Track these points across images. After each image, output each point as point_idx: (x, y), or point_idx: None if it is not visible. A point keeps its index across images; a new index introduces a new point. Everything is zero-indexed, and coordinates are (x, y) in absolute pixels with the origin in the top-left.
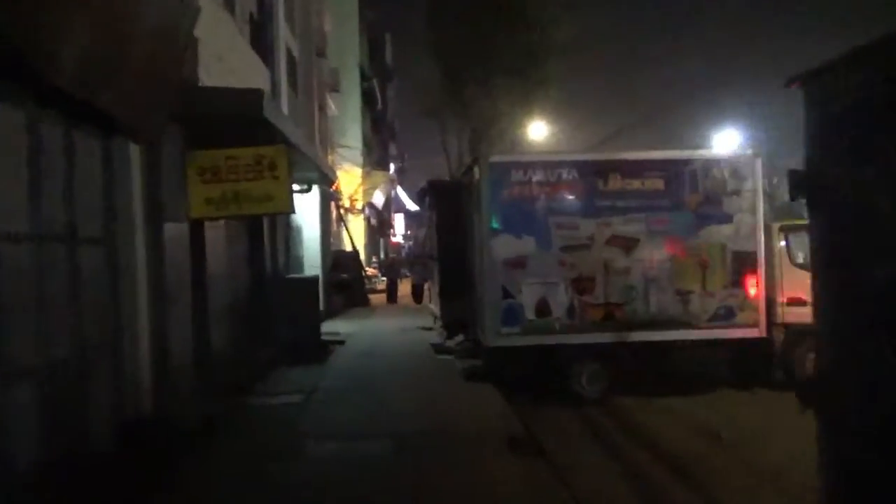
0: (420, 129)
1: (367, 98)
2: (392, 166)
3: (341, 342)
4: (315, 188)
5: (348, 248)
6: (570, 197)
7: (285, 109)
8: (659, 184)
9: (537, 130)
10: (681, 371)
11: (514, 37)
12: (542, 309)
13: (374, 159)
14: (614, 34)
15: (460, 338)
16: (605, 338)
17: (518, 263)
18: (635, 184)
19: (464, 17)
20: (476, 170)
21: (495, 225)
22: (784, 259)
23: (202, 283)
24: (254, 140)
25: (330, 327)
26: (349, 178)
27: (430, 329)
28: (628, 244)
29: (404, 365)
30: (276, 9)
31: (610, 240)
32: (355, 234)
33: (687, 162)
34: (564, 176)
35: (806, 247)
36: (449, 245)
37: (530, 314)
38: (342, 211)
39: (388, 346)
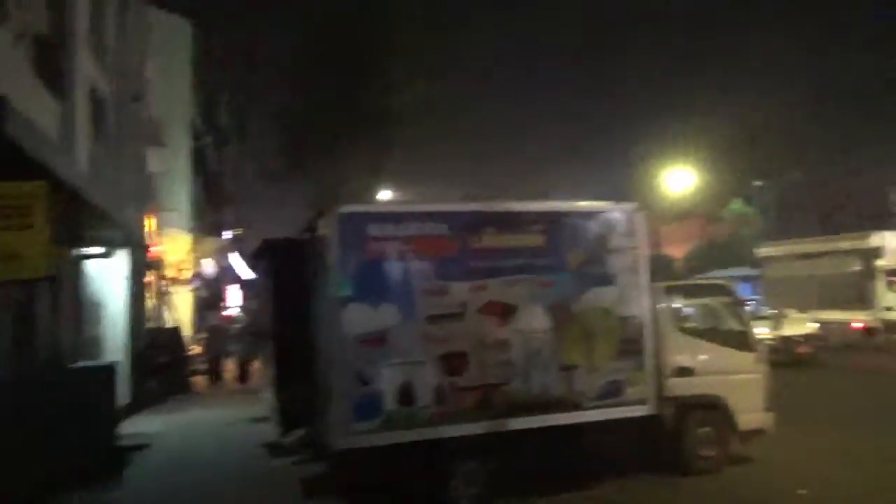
0: (261, 195)
1: (200, 158)
2: (228, 233)
3: (144, 447)
4: (122, 253)
5: (171, 324)
6: (439, 256)
7: (83, 154)
8: (539, 240)
9: (389, 195)
10: (569, 461)
11: (358, 99)
12: (406, 396)
13: (207, 225)
14: (472, 97)
15: (302, 432)
16: (481, 427)
17: (375, 339)
18: (513, 240)
19: (306, 78)
20: (322, 224)
21: (346, 291)
22: (671, 324)
23: None
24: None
25: (135, 425)
26: (176, 245)
27: (263, 420)
28: (506, 312)
29: (225, 478)
30: (75, 30)
31: (485, 307)
32: (182, 309)
33: (568, 214)
34: (432, 230)
35: (693, 309)
36: (287, 317)
37: (391, 403)
38: (165, 282)
39: (207, 448)
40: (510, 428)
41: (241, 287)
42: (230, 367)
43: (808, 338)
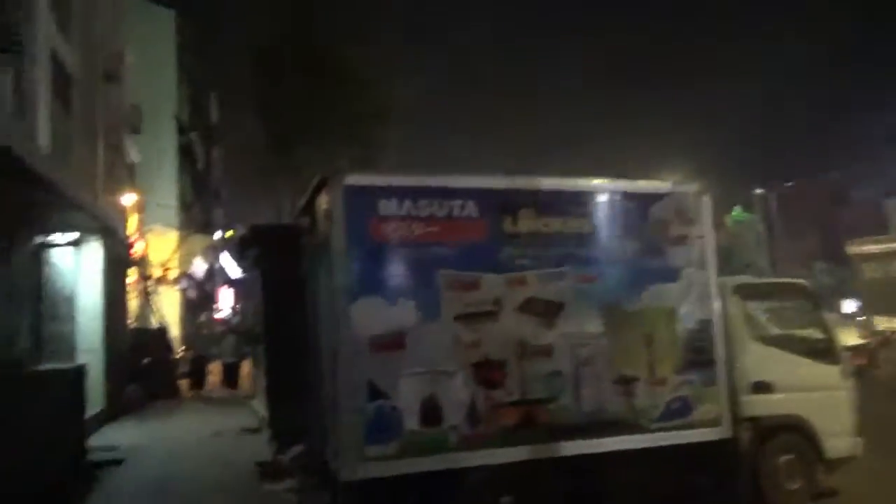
0: (251, 196)
1: (186, 154)
2: (219, 233)
3: (118, 462)
4: (96, 244)
5: (156, 325)
6: (467, 241)
7: (45, 129)
8: (586, 225)
9: None
10: (624, 497)
11: (341, 101)
12: (431, 413)
13: (196, 223)
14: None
15: (299, 449)
16: (523, 453)
17: (392, 343)
18: (555, 224)
19: (289, 79)
20: (323, 200)
21: (355, 283)
22: (743, 330)
23: None
24: None
25: (111, 435)
26: (161, 243)
27: (255, 431)
28: (550, 311)
29: None
30: None
31: (525, 304)
32: (168, 309)
33: (622, 195)
34: (457, 211)
35: (772, 313)
36: (282, 317)
37: (412, 423)
38: (150, 280)
39: (189, 464)
40: (558, 454)
41: (232, 287)
42: (216, 370)
43: (861, 348)
